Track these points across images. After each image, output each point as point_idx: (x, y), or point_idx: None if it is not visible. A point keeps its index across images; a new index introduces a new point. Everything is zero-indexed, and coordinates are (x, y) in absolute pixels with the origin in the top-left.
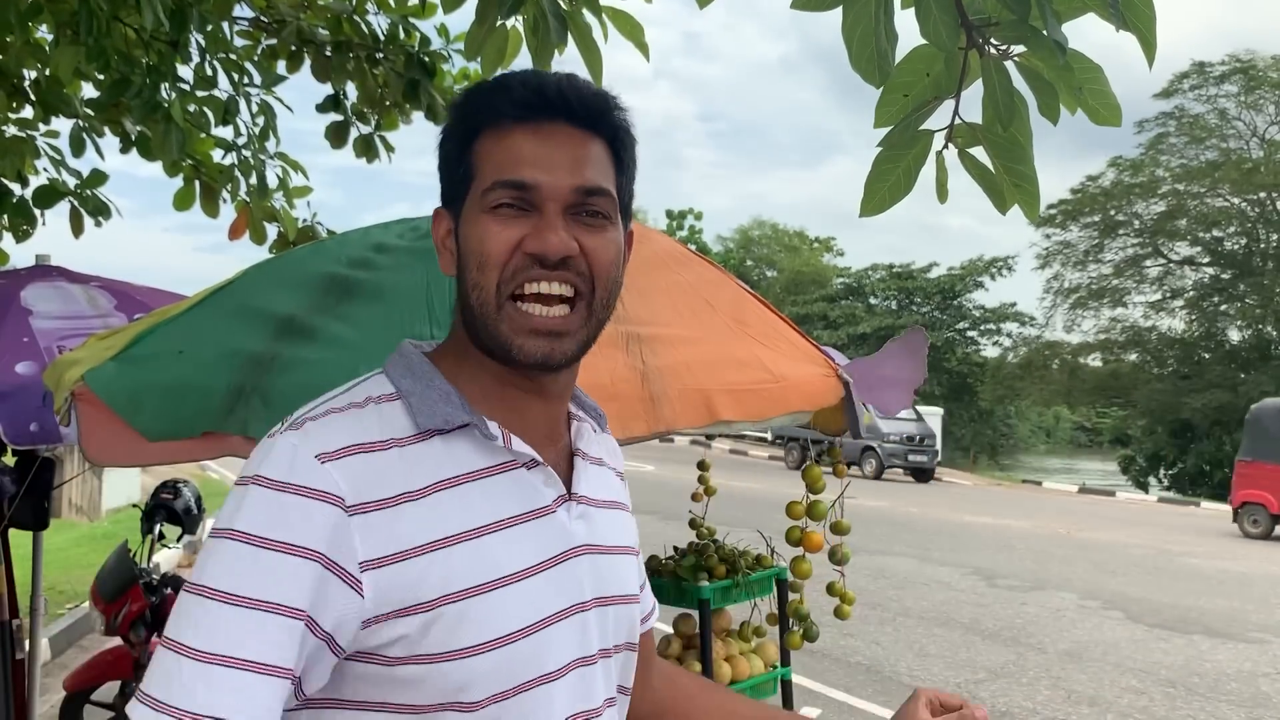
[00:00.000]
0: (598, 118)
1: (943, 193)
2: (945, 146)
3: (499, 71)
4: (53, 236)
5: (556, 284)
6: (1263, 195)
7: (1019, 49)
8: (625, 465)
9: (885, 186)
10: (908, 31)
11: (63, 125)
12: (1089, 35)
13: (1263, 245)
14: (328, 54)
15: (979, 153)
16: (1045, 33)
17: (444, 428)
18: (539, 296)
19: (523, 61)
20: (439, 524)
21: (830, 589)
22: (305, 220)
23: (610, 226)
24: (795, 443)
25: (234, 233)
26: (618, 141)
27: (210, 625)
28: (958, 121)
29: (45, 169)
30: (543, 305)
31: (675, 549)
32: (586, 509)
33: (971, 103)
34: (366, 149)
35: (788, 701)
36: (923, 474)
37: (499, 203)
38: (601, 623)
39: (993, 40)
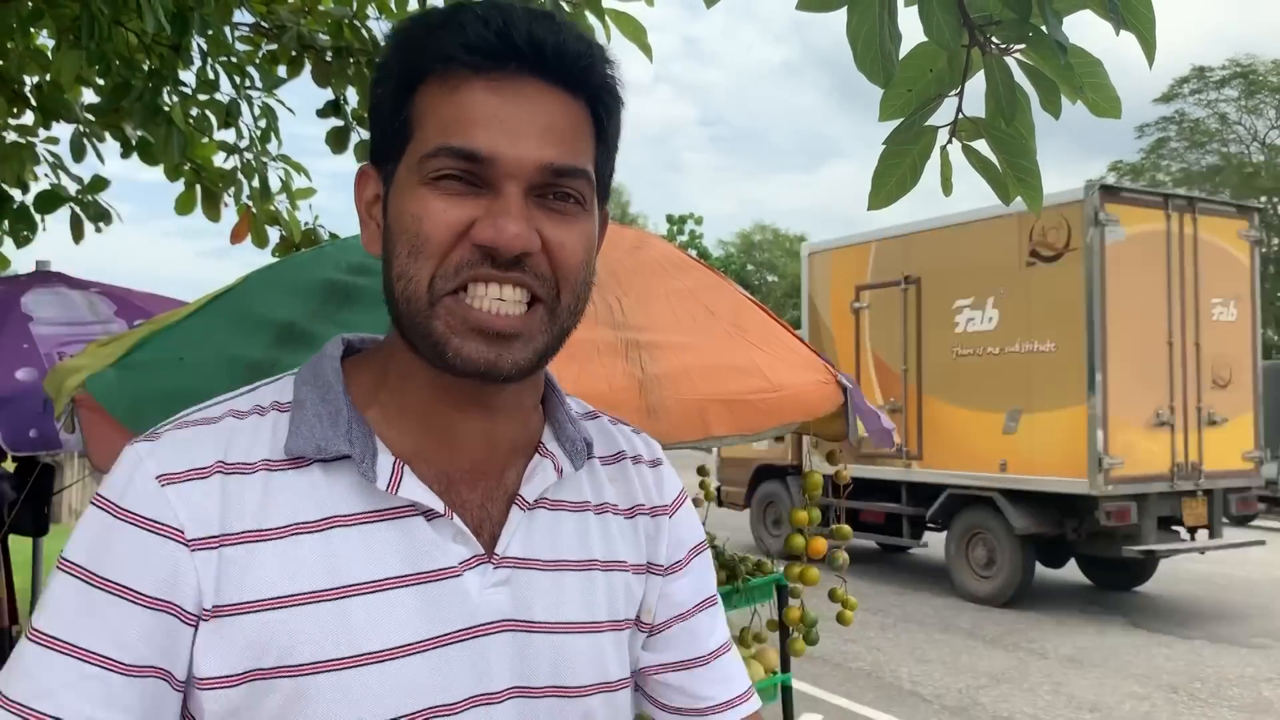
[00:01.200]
0: (579, 74)
1: (947, 186)
2: (949, 141)
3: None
4: (53, 242)
5: (509, 288)
6: (1263, 199)
7: (1020, 46)
8: None
9: (893, 180)
10: (910, 30)
11: (63, 131)
12: (1088, 37)
13: (1264, 250)
14: (328, 59)
15: (982, 146)
16: (1046, 32)
17: (317, 456)
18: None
19: None
20: (288, 576)
21: (832, 595)
22: (307, 223)
23: (583, 215)
24: None
25: (236, 237)
26: (600, 104)
27: (33, 671)
28: (961, 116)
29: (46, 175)
30: (494, 300)
31: None
32: (516, 573)
33: (974, 95)
34: (367, 154)
35: (788, 707)
36: None
37: (443, 172)
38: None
39: (994, 39)
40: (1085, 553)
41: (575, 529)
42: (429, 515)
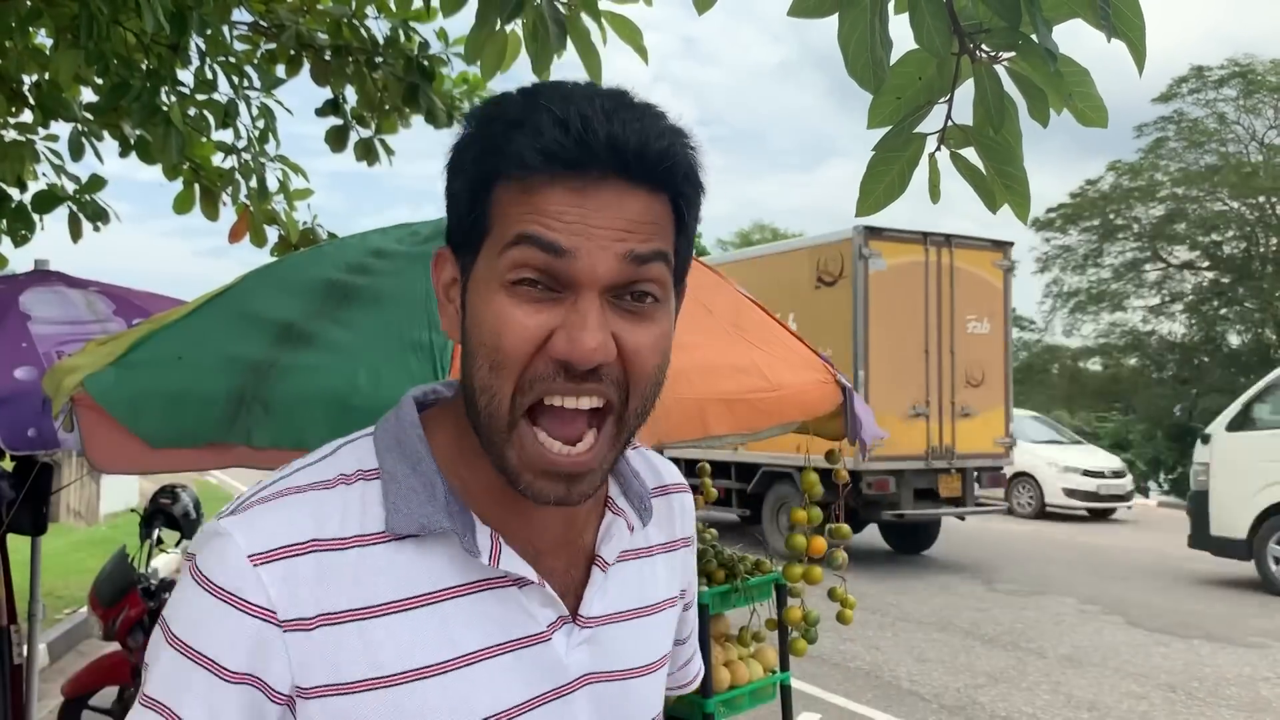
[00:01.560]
0: (662, 174)
1: (935, 194)
2: (938, 149)
3: (516, 82)
4: (52, 241)
5: (583, 399)
6: (1262, 199)
7: (1009, 54)
8: None
9: (880, 187)
10: (900, 36)
11: (62, 129)
12: (1083, 41)
13: (1261, 249)
14: (327, 58)
15: (970, 154)
16: (1035, 40)
17: (420, 534)
18: (559, 412)
19: (522, 65)
20: (394, 654)
21: (831, 594)
22: (306, 223)
23: (660, 313)
24: None
25: (234, 236)
26: (682, 198)
27: None
28: (949, 124)
29: (44, 174)
30: (563, 442)
31: None
32: (598, 630)
33: (963, 103)
34: (366, 152)
35: (787, 706)
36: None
37: (521, 277)
38: None
39: (983, 46)
40: (865, 519)
41: (638, 577)
42: (520, 583)
